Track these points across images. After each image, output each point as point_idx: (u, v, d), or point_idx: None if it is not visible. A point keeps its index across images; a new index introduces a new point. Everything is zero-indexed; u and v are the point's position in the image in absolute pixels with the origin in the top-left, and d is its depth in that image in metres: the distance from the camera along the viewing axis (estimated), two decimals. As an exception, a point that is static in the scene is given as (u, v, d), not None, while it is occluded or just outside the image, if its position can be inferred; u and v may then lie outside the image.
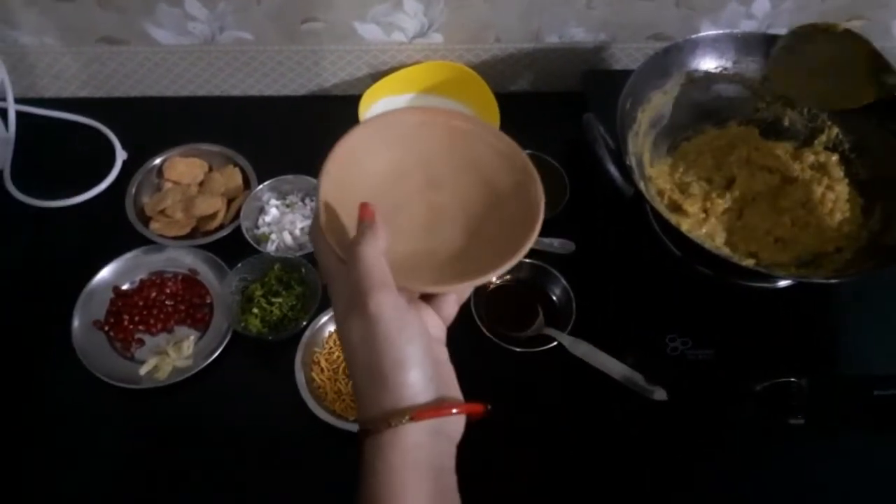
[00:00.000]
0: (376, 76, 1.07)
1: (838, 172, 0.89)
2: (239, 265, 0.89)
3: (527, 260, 0.86)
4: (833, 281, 0.76)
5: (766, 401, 0.79)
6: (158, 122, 1.08)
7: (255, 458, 0.81)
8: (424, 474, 0.44)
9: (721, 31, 0.91)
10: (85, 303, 0.89)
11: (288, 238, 0.94)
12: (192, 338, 0.88)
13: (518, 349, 0.84)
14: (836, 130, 0.91)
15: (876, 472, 0.80)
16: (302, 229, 0.94)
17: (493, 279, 0.49)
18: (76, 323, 0.87)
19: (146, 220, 0.96)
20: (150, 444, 0.82)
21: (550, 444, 0.81)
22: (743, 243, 0.85)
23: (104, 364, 0.85)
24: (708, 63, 0.92)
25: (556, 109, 1.04)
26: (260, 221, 0.96)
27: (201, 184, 1.00)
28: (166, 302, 0.90)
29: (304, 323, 0.86)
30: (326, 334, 0.87)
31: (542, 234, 0.56)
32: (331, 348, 0.86)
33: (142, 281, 0.92)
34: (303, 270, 0.90)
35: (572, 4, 1.01)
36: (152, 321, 0.89)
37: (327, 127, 1.03)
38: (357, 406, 0.48)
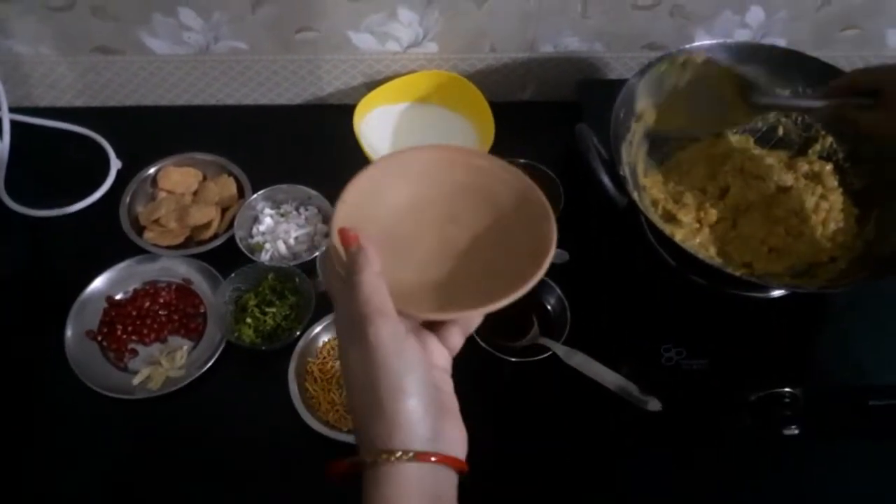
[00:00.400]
0: (371, 85, 1.07)
1: (832, 182, 0.89)
2: (232, 275, 0.89)
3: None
4: (827, 291, 0.76)
5: (760, 411, 0.79)
6: (153, 132, 1.07)
7: (248, 468, 0.80)
8: None
9: (714, 41, 0.91)
10: (78, 313, 0.89)
11: (282, 247, 0.94)
12: (185, 348, 0.88)
13: (513, 359, 0.84)
14: (830, 140, 0.91)
15: (871, 483, 0.80)
16: (296, 238, 0.94)
17: (494, 310, 0.50)
18: (69, 333, 0.87)
19: (140, 230, 0.96)
20: (143, 455, 0.82)
21: (544, 454, 0.81)
22: (737, 253, 0.85)
23: (97, 374, 0.84)
24: (701, 72, 0.92)
25: (551, 118, 1.04)
26: (254, 231, 0.96)
27: (195, 193, 1.00)
28: (160, 312, 0.90)
29: (298, 333, 0.86)
30: (320, 344, 0.87)
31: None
32: (324, 358, 0.86)
33: (135, 291, 0.92)
34: (297, 280, 0.90)
35: (567, 14, 1.01)
36: (145, 331, 0.89)
37: (322, 136, 1.06)
38: (355, 434, 0.48)
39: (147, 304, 0.90)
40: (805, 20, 1.04)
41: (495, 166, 0.57)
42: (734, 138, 0.93)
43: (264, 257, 0.93)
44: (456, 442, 0.47)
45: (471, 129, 1.06)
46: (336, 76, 1.08)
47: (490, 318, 0.51)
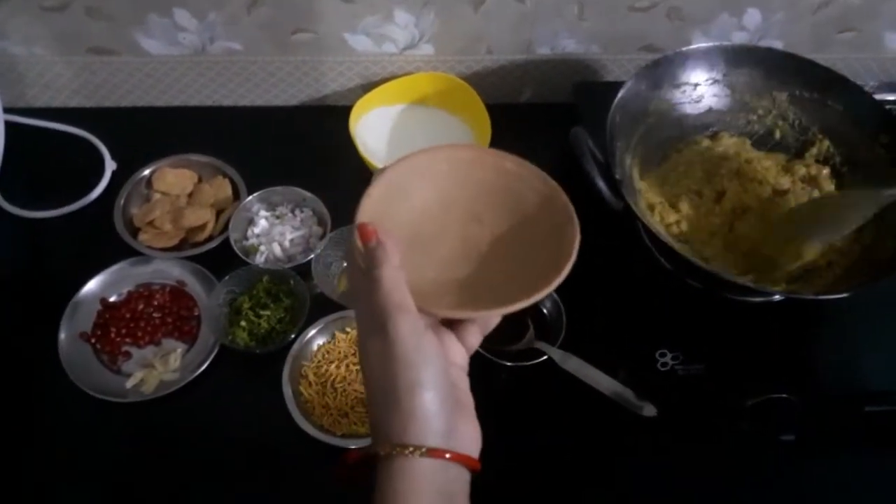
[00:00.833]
0: (367, 87, 1.07)
1: (829, 185, 0.88)
2: (227, 277, 0.88)
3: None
4: (824, 297, 0.75)
5: (756, 417, 0.78)
6: (149, 133, 1.07)
7: (241, 472, 0.80)
8: (431, 502, 0.44)
9: (711, 44, 0.91)
10: (72, 315, 0.88)
11: (277, 249, 0.93)
12: (179, 350, 0.87)
13: (508, 363, 0.84)
14: (827, 143, 0.91)
15: (867, 489, 0.79)
16: (291, 241, 0.94)
17: (513, 311, 0.50)
18: (62, 335, 0.86)
19: (135, 232, 0.95)
20: (137, 458, 0.81)
21: (539, 459, 0.80)
22: (733, 256, 0.85)
23: (90, 377, 0.84)
24: (699, 75, 0.92)
25: (547, 121, 1.03)
26: (249, 233, 0.95)
27: (190, 195, 0.99)
28: (154, 314, 0.90)
29: (293, 336, 0.85)
30: (315, 347, 0.87)
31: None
32: (319, 362, 0.85)
33: (129, 293, 0.91)
34: (291, 283, 0.89)
35: (564, 16, 1.01)
36: (139, 333, 0.88)
37: (318, 138, 1.05)
38: (370, 426, 0.48)
39: (141, 306, 0.90)
40: (802, 22, 1.04)
41: (523, 169, 0.57)
42: (731, 141, 0.93)
43: (259, 260, 0.92)
44: (470, 439, 0.48)
45: (467, 132, 1.05)
46: (332, 78, 1.08)
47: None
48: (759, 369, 0.80)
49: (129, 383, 0.84)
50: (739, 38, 1.06)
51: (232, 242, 0.91)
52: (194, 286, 0.92)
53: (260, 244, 0.93)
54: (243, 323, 0.86)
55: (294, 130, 1.09)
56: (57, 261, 0.95)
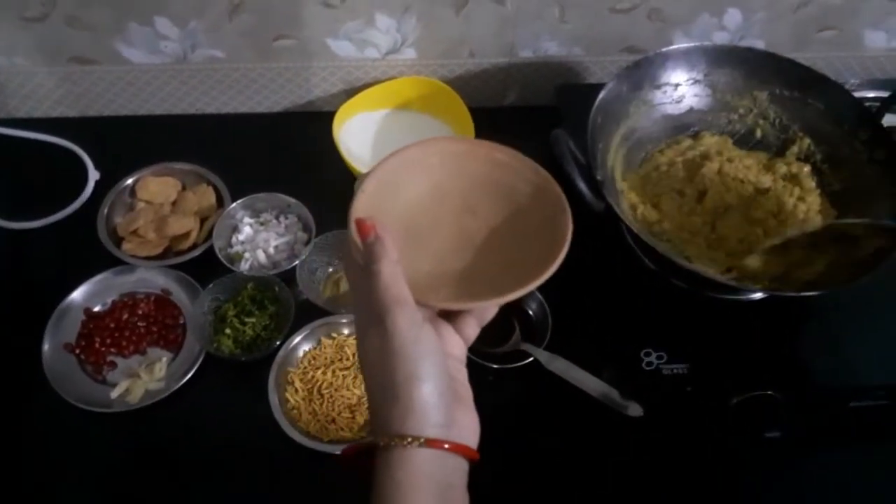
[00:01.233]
0: (351, 92, 1.07)
1: (810, 183, 0.89)
2: (211, 285, 0.88)
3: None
4: (806, 294, 0.76)
5: (741, 414, 0.78)
6: (132, 142, 1.07)
7: (228, 480, 0.80)
8: (429, 492, 0.44)
9: (692, 44, 0.92)
10: (55, 325, 0.88)
11: (262, 256, 0.93)
12: (164, 359, 0.87)
13: (495, 365, 0.84)
14: (807, 142, 0.91)
15: (853, 484, 0.80)
16: (276, 247, 0.94)
17: (509, 301, 0.50)
18: (46, 346, 0.86)
19: (118, 241, 0.95)
20: (123, 469, 0.81)
21: (526, 460, 0.80)
22: (716, 255, 0.85)
23: (75, 388, 0.84)
24: (679, 76, 0.92)
25: (531, 123, 1.03)
26: (234, 240, 0.95)
27: (174, 203, 0.99)
28: (138, 323, 0.89)
29: (278, 343, 0.85)
30: (301, 354, 0.86)
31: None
32: (305, 368, 0.85)
33: (114, 302, 0.91)
34: (276, 289, 0.89)
35: (545, 19, 1.01)
36: (124, 343, 0.88)
37: (302, 144, 1.05)
38: (370, 418, 0.48)
39: (126, 315, 0.90)
40: (783, 22, 1.04)
41: (515, 160, 0.57)
42: (712, 140, 0.94)
43: (244, 267, 0.92)
44: (468, 430, 0.48)
45: (451, 135, 1.05)
46: (315, 84, 1.08)
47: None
48: (743, 367, 0.80)
49: (115, 393, 0.84)
50: (720, 38, 1.06)
51: (216, 250, 0.91)
52: (179, 295, 0.92)
53: (244, 251, 0.93)
54: (228, 330, 0.86)
55: (278, 137, 1.09)
56: (40, 271, 0.95)
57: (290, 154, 1.06)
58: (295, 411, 0.82)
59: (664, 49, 0.91)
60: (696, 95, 0.94)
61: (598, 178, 0.79)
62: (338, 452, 0.79)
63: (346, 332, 0.88)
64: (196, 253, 0.93)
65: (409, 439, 0.44)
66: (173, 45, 1.00)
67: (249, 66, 1.04)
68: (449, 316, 0.52)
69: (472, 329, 0.53)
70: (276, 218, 0.97)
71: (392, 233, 0.49)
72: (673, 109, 0.94)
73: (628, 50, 1.07)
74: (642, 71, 0.90)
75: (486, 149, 0.58)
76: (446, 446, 0.45)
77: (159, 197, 0.99)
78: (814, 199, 0.87)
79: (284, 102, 1.11)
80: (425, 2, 0.97)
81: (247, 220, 0.96)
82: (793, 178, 0.89)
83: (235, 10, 0.96)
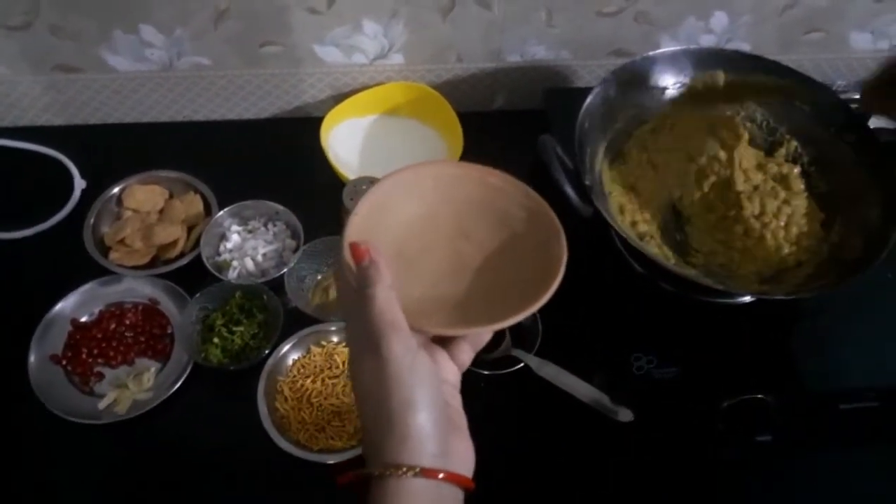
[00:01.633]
0: (339, 98, 1.07)
1: (799, 185, 0.89)
2: (198, 294, 0.88)
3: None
4: (794, 297, 0.76)
5: (732, 418, 0.78)
6: (118, 150, 1.06)
7: (218, 490, 0.79)
8: None
9: (678, 48, 0.92)
10: (42, 336, 0.87)
11: (250, 264, 0.92)
12: (152, 369, 0.86)
13: (485, 371, 0.84)
14: (795, 144, 0.91)
15: (844, 486, 0.80)
16: (264, 255, 0.93)
17: (504, 327, 0.50)
18: (32, 358, 0.85)
19: (105, 250, 0.94)
20: (111, 481, 0.80)
21: (517, 466, 0.80)
22: (703, 257, 0.85)
23: (62, 400, 0.83)
24: (667, 79, 0.92)
25: (520, 127, 1.03)
26: (221, 248, 0.95)
27: (161, 211, 0.98)
28: (126, 333, 0.89)
29: (267, 351, 0.84)
30: (290, 362, 0.86)
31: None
32: (294, 377, 0.85)
33: (101, 312, 0.90)
34: (264, 297, 0.88)
35: (532, 23, 1.01)
36: (112, 353, 0.87)
37: (290, 150, 1.05)
38: (363, 445, 0.48)
39: (113, 325, 0.89)
40: (769, 24, 1.04)
41: (509, 185, 0.57)
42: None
43: (232, 275, 0.91)
44: (463, 458, 0.48)
45: (440, 140, 1.05)
46: (303, 90, 1.08)
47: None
48: (733, 370, 0.80)
49: (102, 404, 0.83)
50: (707, 40, 1.07)
51: (204, 259, 0.91)
52: (167, 304, 0.91)
53: (232, 259, 0.93)
54: (216, 340, 0.86)
55: (265, 143, 1.08)
56: (26, 282, 0.94)
57: (277, 161, 1.05)
58: (284, 420, 0.82)
59: (651, 52, 0.91)
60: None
61: (587, 182, 0.79)
62: (328, 462, 0.78)
63: (335, 339, 0.87)
64: (184, 262, 0.93)
65: (405, 469, 0.44)
66: (159, 53, 0.99)
67: (236, 73, 1.04)
68: (443, 341, 0.52)
69: (467, 354, 0.52)
70: (265, 225, 0.97)
71: (386, 257, 0.49)
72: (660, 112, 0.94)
73: (616, 53, 1.07)
74: (629, 74, 0.90)
75: (479, 172, 0.58)
76: (441, 476, 0.45)
77: (146, 205, 0.98)
78: (800, 202, 0.87)
79: (272, 109, 1.10)
80: (412, 7, 0.97)
81: (234, 227, 0.96)
82: (783, 179, 0.89)
83: (221, 17, 0.95)
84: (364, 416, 0.47)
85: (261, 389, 0.82)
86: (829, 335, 0.83)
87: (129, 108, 1.07)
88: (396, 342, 0.45)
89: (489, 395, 0.84)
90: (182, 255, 0.94)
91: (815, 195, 0.88)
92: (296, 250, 0.93)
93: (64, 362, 0.86)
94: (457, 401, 0.51)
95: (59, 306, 0.89)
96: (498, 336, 0.87)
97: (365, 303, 0.47)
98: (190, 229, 0.97)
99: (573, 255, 0.55)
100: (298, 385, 0.84)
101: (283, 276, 0.89)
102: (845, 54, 1.11)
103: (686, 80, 0.92)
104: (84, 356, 0.86)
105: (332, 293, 0.91)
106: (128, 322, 0.89)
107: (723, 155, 0.88)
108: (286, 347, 0.85)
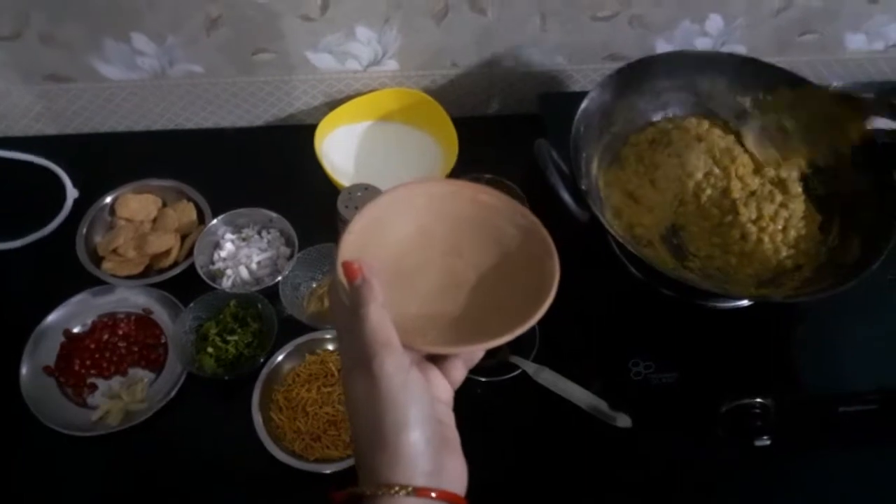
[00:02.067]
0: (333, 105, 1.06)
1: (797, 188, 0.88)
2: (192, 303, 0.87)
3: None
4: (793, 300, 0.75)
5: (731, 423, 0.78)
6: (111, 159, 1.05)
7: (212, 502, 0.79)
8: None
9: (673, 51, 0.92)
10: (34, 348, 0.86)
11: (244, 272, 0.92)
12: (146, 380, 0.86)
13: (482, 378, 0.83)
14: (792, 146, 0.91)
15: (843, 490, 0.79)
16: (258, 263, 0.93)
17: (496, 346, 0.50)
18: (24, 370, 0.84)
19: (98, 260, 0.93)
20: (105, 493, 0.80)
21: (514, 473, 0.79)
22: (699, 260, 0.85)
23: (55, 412, 0.82)
24: (662, 83, 0.92)
25: (515, 132, 1.03)
26: (215, 257, 0.94)
27: (154, 220, 0.98)
28: (119, 344, 0.88)
29: (261, 360, 0.84)
30: (285, 371, 0.85)
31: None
32: (289, 386, 0.84)
33: (93, 323, 0.89)
34: (259, 306, 0.88)
35: (527, 27, 1.01)
36: (105, 364, 0.86)
37: (284, 158, 1.04)
38: (356, 464, 0.48)
39: (106, 336, 0.88)
40: (764, 26, 1.04)
41: (501, 202, 0.58)
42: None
43: (226, 284, 0.91)
44: (456, 477, 0.48)
45: (435, 146, 1.05)
46: (296, 97, 1.07)
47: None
48: (732, 375, 0.80)
49: (95, 416, 0.82)
50: (702, 43, 1.06)
51: (197, 267, 0.90)
52: (160, 314, 0.90)
53: (226, 268, 0.92)
54: (210, 349, 0.85)
55: (259, 151, 1.07)
56: (18, 293, 0.93)
57: (271, 168, 1.04)
58: (280, 430, 0.81)
59: (646, 56, 0.90)
60: (679, 102, 0.93)
61: (583, 187, 0.79)
62: (324, 472, 0.77)
63: (330, 347, 0.87)
64: (177, 271, 0.92)
65: (397, 488, 0.44)
66: (151, 61, 0.99)
67: (229, 81, 1.03)
68: (436, 359, 0.52)
69: (460, 372, 0.52)
70: (258, 233, 0.96)
71: (379, 275, 0.49)
72: (656, 117, 0.93)
73: (611, 57, 1.06)
74: (625, 78, 0.89)
75: (472, 190, 0.58)
76: (434, 494, 0.44)
77: (139, 214, 0.97)
78: (797, 206, 0.86)
79: (265, 116, 1.10)
80: (406, 13, 0.97)
81: (228, 236, 0.95)
82: (780, 183, 0.88)
83: (213, 25, 0.95)
84: (356, 434, 0.47)
85: (255, 399, 0.81)
86: (828, 338, 0.83)
87: (122, 116, 1.07)
88: (389, 361, 0.45)
89: (487, 401, 0.83)
90: (176, 264, 0.93)
91: (813, 198, 0.88)
92: (290, 258, 0.92)
93: (57, 374, 0.85)
94: (450, 419, 0.50)
95: (51, 317, 0.88)
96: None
97: (358, 322, 0.47)
98: (183, 238, 0.96)
99: (570, 259, 0.55)
100: (294, 394, 0.83)
101: (277, 284, 0.88)
102: (840, 56, 1.11)
103: (683, 83, 0.92)
104: (77, 367, 0.86)
105: (327, 301, 0.91)
106: (121, 332, 0.89)
107: (718, 171, 0.88)
108: (281, 356, 0.85)
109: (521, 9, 0.98)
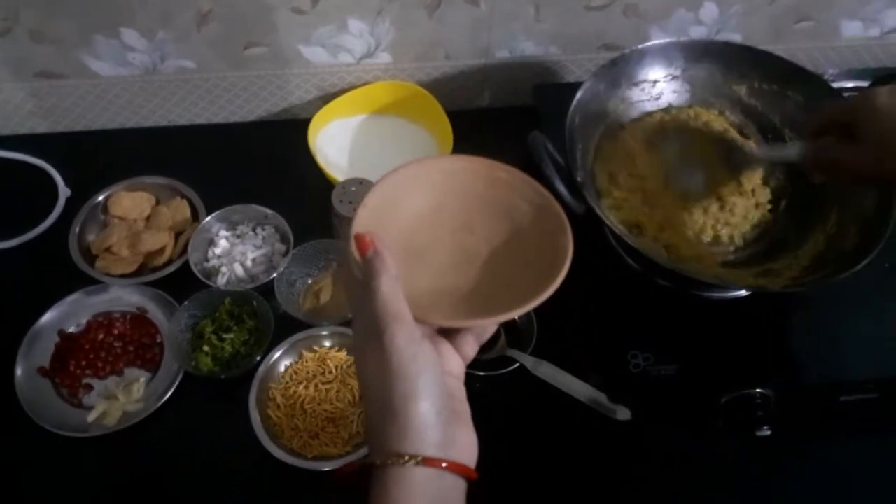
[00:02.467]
0: (327, 98, 1.05)
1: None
2: (187, 301, 0.86)
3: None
4: (791, 290, 0.75)
5: (731, 414, 0.77)
6: (103, 157, 1.04)
7: (211, 501, 0.78)
8: None
9: (668, 40, 0.91)
10: (28, 348, 0.85)
11: (239, 269, 0.91)
12: (142, 379, 0.85)
13: (481, 372, 0.83)
14: (788, 135, 0.90)
15: (845, 479, 0.79)
16: (253, 260, 0.92)
17: (508, 319, 0.51)
18: (19, 371, 0.83)
19: (92, 259, 0.93)
20: (101, 496, 0.79)
21: (514, 467, 0.79)
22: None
23: (50, 413, 0.81)
24: (657, 72, 0.91)
25: (510, 124, 1.01)
26: (210, 254, 0.93)
27: (148, 218, 0.97)
28: (114, 343, 0.87)
29: (258, 358, 0.83)
30: (282, 369, 0.84)
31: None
32: (286, 383, 0.83)
33: (88, 323, 0.89)
34: (254, 303, 0.87)
35: (521, 18, 1.00)
36: (100, 364, 0.86)
37: (278, 153, 1.03)
38: (367, 435, 0.49)
39: (101, 336, 0.88)
40: (759, 14, 1.03)
41: (516, 178, 0.57)
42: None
43: (221, 281, 0.90)
44: (467, 449, 0.48)
45: (429, 139, 1.04)
46: (290, 91, 1.06)
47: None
48: (731, 365, 0.79)
49: (91, 417, 0.82)
50: (698, 32, 1.05)
51: (192, 265, 0.89)
52: (155, 312, 0.90)
53: (221, 265, 0.91)
54: (206, 348, 0.84)
55: (253, 146, 1.06)
56: (11, 293, 0.92)
57: (265, 164, 1.04)
58: (277, 428, 0.81)
59: (641, 46, 0.89)
60: (674, 91, 0.93)
61: (578, 179, 0.78)
62: (323, 469, 0.77)
63: (327, 344, 0.86)
64: (172, 269, 0.91)
65: (406, 458, 0.44)
66: (142, 57, 0.98)
67: (221, 76, 1.02)
68: (447, 333, 0.52)
69: (471, 347, 0.52)
70: (253, 230, 0.95)
71: (391, 248, 0.49)
72: (651, 106, 0.92)
73: (605, 47, 1.06)
74: (619, 69, 0.88)
75: (486, 167, 0.58)
76: (444, 465, 0.45)
77: (133, 212, 0.97)
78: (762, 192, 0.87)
79: (258, 111, 1.09)
80: (398, 5, 0.96)
81: (223, 233, 0.94)
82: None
83: (204, 20, 0.94)
84: (368, 407, 0.48)
85: (253, 397, 0.81)
86: (827, 327, 0.82)
87: (114, 113, 1.06)
88: (400, 333, 0.45)
89: (485, 396, 0.83)
90: (170, 262, 0.93)
91: (809, 186, 0.87)
92: (285, 254, 0.91)
93: (52, 375, 0.85)
94: (461, 392, 0.51)
95: (45, 317, 0.87)
96: (493, 336, 0.86)
97: (369, 294, 0.47)
98: (177, 236, 0.95)
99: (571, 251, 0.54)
100: (291, 392, 0.83)
101: (272, 280, 0.88)
102: (836, 43, 1.10)
103: (678, 72, 0.91)
104: (72, 368, 0.85)
105: (324, 297, 0.90)
106: (116, 332, 0.88)
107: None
108: (278, 354, 0.84)
109: (515, -1, 0.97)
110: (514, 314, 0.50)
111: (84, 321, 0.89)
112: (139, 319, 0.89)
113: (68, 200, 0.99)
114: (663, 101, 0.92)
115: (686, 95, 0.93)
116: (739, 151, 0.84)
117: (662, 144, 0.87)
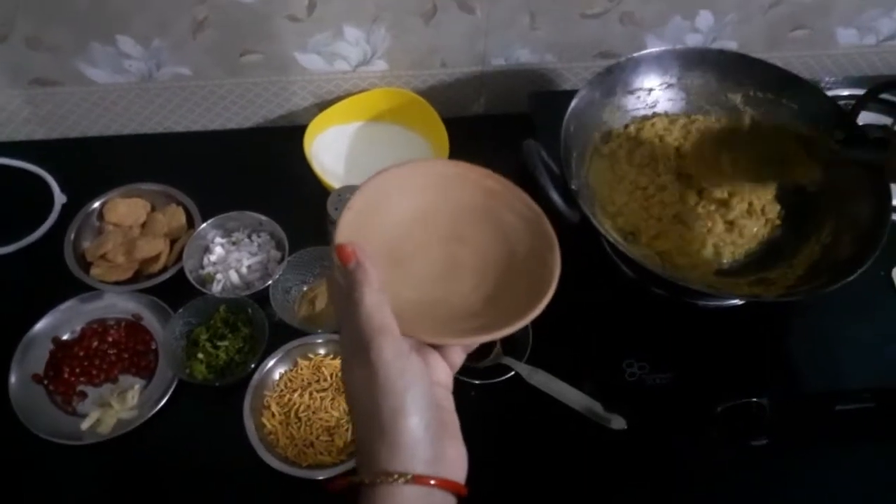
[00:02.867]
0: (323, 106, 1.05)
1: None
2: (182, 309, 0.86)
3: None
4: (786, 299, 0.75)
5: (727, 423, 0.77)
6: (99, 163, 1.04)
7: (205, 510, 0.78)
8: None
9: (664, 48, 0.91)
10: (22, 356, 0.85)
11: (234, 277, 0.91)
12: (137, 387, 0.85)
13: (476, 381, 0.83)
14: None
15: (841, 488, 0.79)
16: (249, 267, 0.92)
17: (495, 338, 0.51)
18: (13, 378, 0.83)
19: (87, 266, 0.93)
20: (97, 503, 0.79)
21: (508, 476, 0.79)
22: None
23: (44, 420, 0.81)
24: (653, 80, 0.91)
25: (506, 132, 1.01)
26: (205, 261, 0.93)
27: (143, 225, 0.97)
28: (109, 351, 0.87)
29: (253, 366, 0.83)
30: (276, 377, 0.84)
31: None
32: (281, 391, 0.83)
33: (83, 330, 0.89)
34: (249, 311, 0.87)
35: (516, 26, 1.00)
36: (95, 372, 0.86)
37: (273, 160, 1.03)
38: (356, 451, 0.47)
39: (95, 343, 0.87)
40: (754, 22, 1.04)
41: (507, 190, 0.56)
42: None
43: (216, 288, 0.90)
44: (456, 464, 0.47)
45: (425, 146, 1.04)
46: (286, 98, 1.06)
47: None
48: (727, 374, 0.79)
49: (85, 424, 0.81)
50: (693, 40, 1.06)
51: (187, 272, 0.89)
52: (150, 320, 0.90)
53: (216, 272, 0.91)
54: (201, 355, 0.84)
55: (248, 153, 1.06)
56: (5, 300, 0.92)
57: (261, 171, 1.03)
58: (272, 436, 0.80)
59: (636, 54, 0.89)
60: (669, 100, 0.93)
61: (573, 187, 0.78)
62: (317, 478, 0.77)
63: (322, 352, 0.86)
64: (167, 276, 0.91)
65: (396, 476, 0.43)
66: (138, 64, 0.98)
67: (217, 83, 1.02)
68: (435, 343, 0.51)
69: (459, 356, 0.52)
70: (248, 237, 0.95)
71: (375, 258, 0.48)
72: (647, 115, 0.92)
73: (601, 55, 1.06)
74: (614, 76, 0.89)
75: (477, 175, 0.56)
76: (433, 482, 0.44)
77: (128, 219, 0.96)
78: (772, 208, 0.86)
79: (255, 118, 1.09)
80: (394, 12, 0.96)
81: (218, 240, 0.94)
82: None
83: (199, 27, 0.94)
84: (356, 423, 0.47)
85: (247, 405, 0.80)
86: (823, 336, 0.82)
87: (109, 120, 1.06)
88: (386, 347, 0.45)
89: (480, 404, 0.83)
90: (165, 269, 0.93)
91: (804, 195, 0.87)
92: (281, 261, 0.91)
93: (46, 382, 0.85)
94: (449, 402, 0.50)
95: (39, 324, 0.87)
96: (488, 344, 0.86)
97: (353, 306, 0.46)
98: (173, 242, 0.95)
99: (562, 260, 0.54)
100: (286, 399, 0.83)
101: (268, 288, 0.88)
102: (832, 51, 1.10)
103: (673, 80, 0.91)
104: (66, 375, 0.85)
105: (319, 304, 0.90)
106: (111, 339, 0.88)
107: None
108: (272, 361, 0.84)
109: (510, 7, 0.97)
110: (502, 334, 0.49)
111: (78, 328, 0.89)
112: (134, 327, 0.89)
113: (64, 207, 0.99)
114: (659, 110, 0.92)
115: (681, 103, 0.93)
116: (823, 147, 0.82)
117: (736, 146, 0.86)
